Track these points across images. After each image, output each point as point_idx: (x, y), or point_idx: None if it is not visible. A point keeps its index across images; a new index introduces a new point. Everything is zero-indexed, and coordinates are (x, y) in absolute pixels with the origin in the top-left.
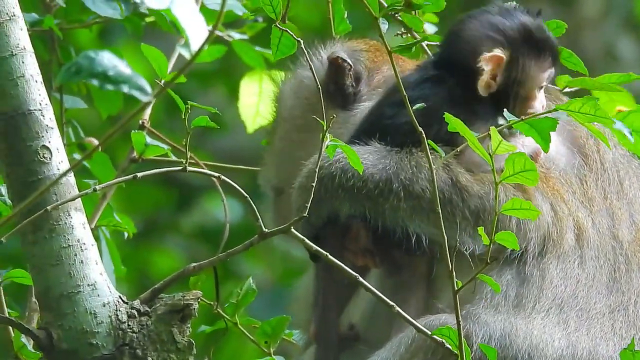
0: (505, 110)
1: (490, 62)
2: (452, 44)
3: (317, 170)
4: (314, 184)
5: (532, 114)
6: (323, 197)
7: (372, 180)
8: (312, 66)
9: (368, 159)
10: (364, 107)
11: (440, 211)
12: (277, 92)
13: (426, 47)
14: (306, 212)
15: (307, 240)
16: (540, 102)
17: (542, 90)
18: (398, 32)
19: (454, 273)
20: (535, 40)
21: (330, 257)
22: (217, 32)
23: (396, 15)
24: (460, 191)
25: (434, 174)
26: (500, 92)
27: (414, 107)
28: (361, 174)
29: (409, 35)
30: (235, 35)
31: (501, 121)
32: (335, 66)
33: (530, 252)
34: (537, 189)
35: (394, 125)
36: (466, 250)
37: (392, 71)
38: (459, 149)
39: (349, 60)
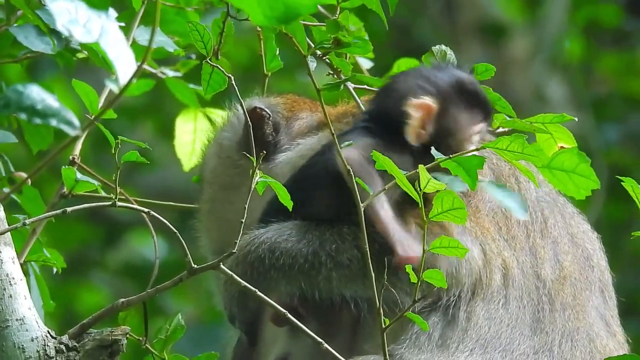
0: (432, 148)
1: (419, 109)
2: (383, 94)
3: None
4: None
5: None
6: (257, 281)
7: (301, 255)
8: (231, 124)
9: (292, 234)
10: (285, 157)
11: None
12: (201, 161)
13: (352, 89)
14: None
15: (235, 276)
16: None
17: (473, 145)
18: (328, 72)
19: (382, 311)
20: (467, 93)
21: (259, 293)
22: (150, 69)
23: (324, 57)
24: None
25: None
26: (430, 144)
27: (342, 146)
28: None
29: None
30: (169, 72)
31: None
32: (254, 116)
33: (463, 297)
34: (465, 231)
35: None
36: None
37: (310, 118)
38: (387, 186)
39: (266, 110)
